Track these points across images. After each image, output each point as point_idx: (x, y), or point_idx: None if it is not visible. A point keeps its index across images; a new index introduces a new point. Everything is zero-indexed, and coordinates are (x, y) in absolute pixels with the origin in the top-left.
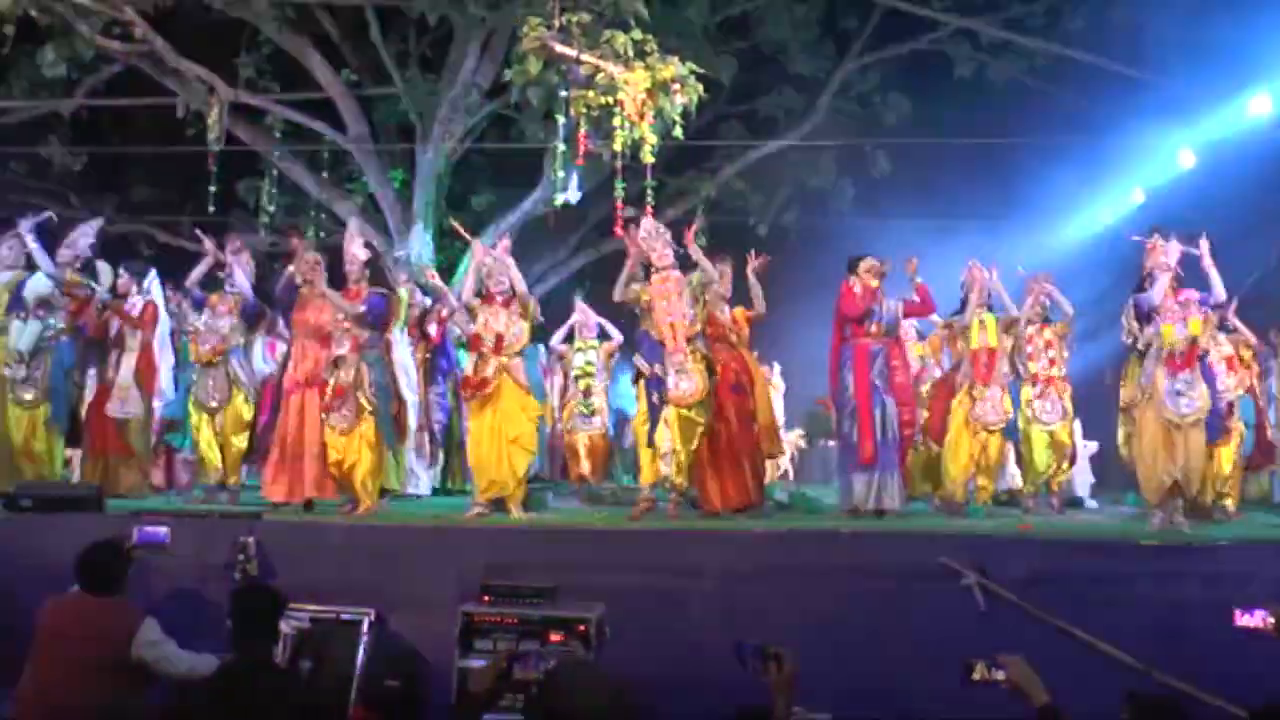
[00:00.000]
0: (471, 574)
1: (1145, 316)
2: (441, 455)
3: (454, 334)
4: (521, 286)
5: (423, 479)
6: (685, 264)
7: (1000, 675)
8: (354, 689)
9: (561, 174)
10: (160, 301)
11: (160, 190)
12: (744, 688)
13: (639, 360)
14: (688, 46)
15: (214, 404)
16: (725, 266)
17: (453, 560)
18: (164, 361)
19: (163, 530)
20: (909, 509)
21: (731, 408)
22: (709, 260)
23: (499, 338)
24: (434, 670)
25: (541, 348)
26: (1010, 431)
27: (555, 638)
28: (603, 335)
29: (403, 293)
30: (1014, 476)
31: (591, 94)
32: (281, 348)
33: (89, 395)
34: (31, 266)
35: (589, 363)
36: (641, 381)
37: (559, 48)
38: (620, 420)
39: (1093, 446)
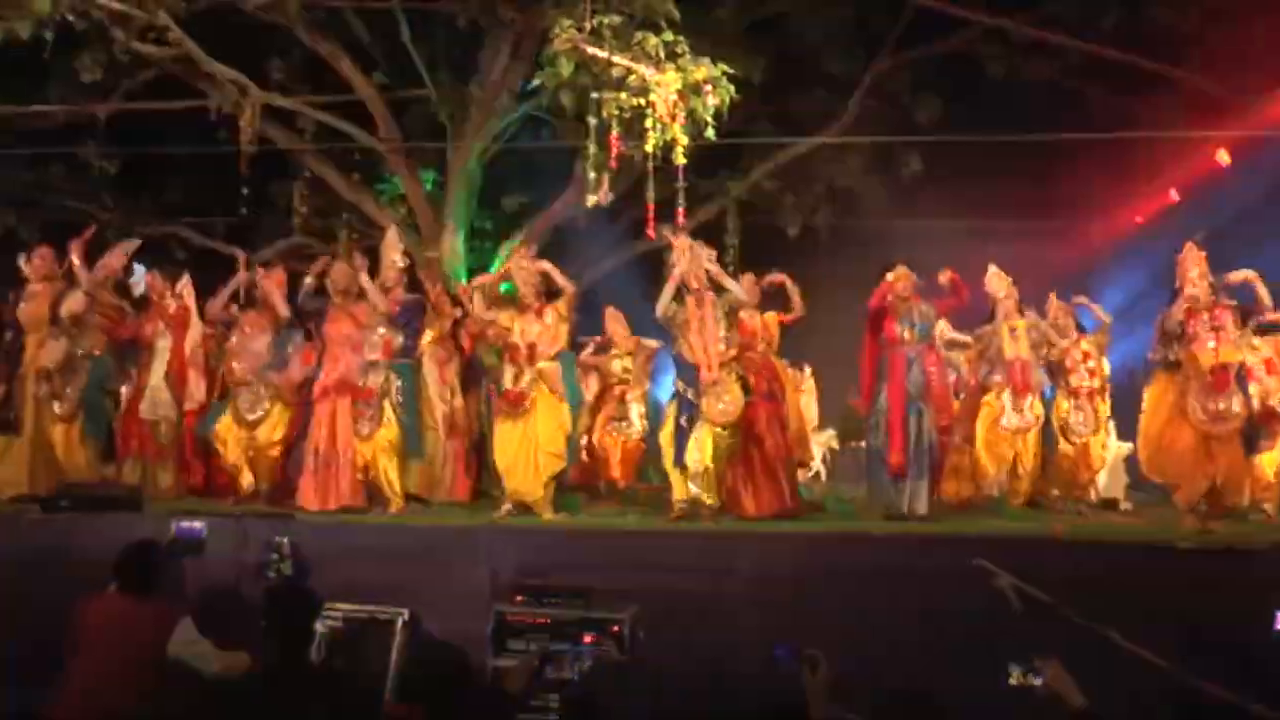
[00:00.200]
0: (503, 574)
1: (1174, 335)
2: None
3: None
4: (566, 284)
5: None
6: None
7: (1038, 680)
8: (387, 688)
9: (593, 176)
10: (192, 304)
11: (193, 192)
12: (778, 690)
13: (678, 381)
14: (719, 47)
15: (253, 417)
16: (746, 278)
17: (485, 561)
18: (195, 365)
19: (199, 525)
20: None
21: (764, 416)
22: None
23: (531, 347)
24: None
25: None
26: (1047, 439)
27: (588, 639)
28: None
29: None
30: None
31: (623, 95)
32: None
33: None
34: (68, 279)
35: (626, 369)
36: (674, 401)
37: (590, 50)
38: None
39: (1127, 448)
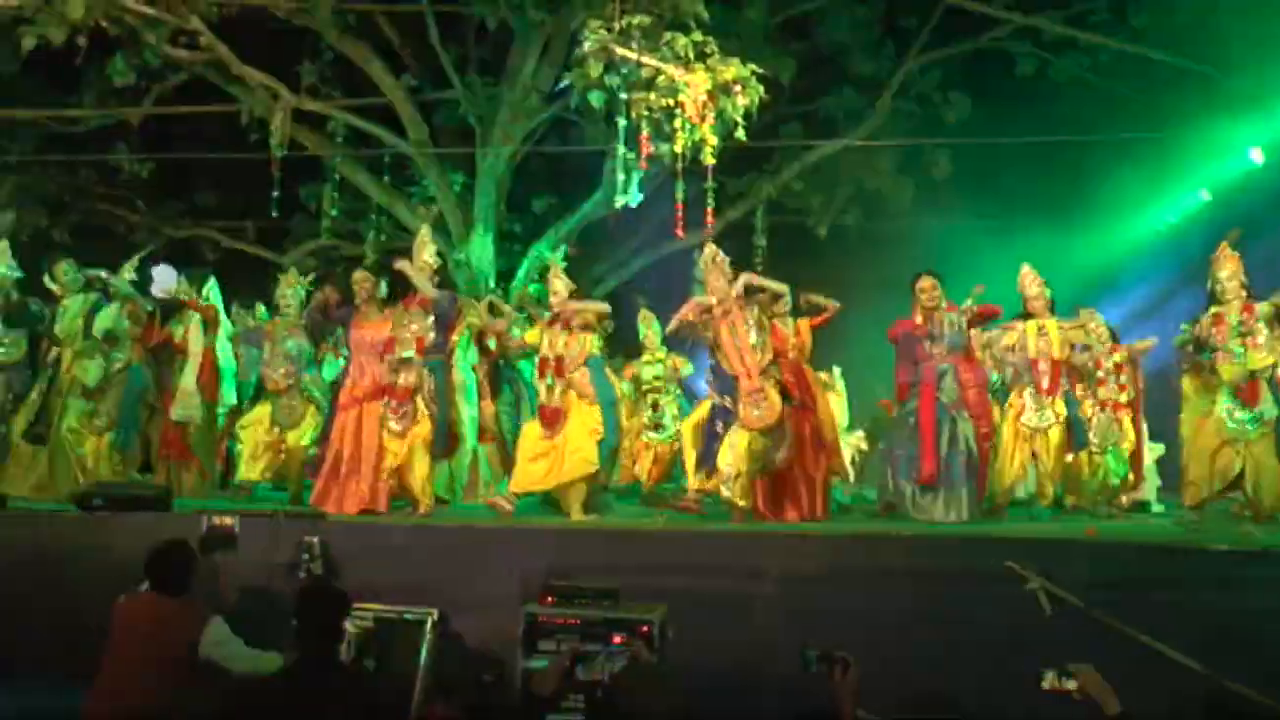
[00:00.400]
0: (533, 575)
1: (1203, 343)
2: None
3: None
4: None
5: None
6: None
7: (1072, 685)
8: (418, 688)
9: (622, 177)
10: (220, 306)
11: (224, 196)
12: (806, 691)
13: (712, 390)
14: (748, 47)
15: (290, 422)
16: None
17: (515, 561)
18: (225, 367)
19: (230, 520)
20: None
21: (794, 425)
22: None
23: (559, 360)
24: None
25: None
26: (1079, 443)
27: (618, 639)
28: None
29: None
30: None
31: (652, 96)
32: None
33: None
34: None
35: (657, 377)
36: (706, 402)
37: (619, 50)
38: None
39: (1159, 449)
